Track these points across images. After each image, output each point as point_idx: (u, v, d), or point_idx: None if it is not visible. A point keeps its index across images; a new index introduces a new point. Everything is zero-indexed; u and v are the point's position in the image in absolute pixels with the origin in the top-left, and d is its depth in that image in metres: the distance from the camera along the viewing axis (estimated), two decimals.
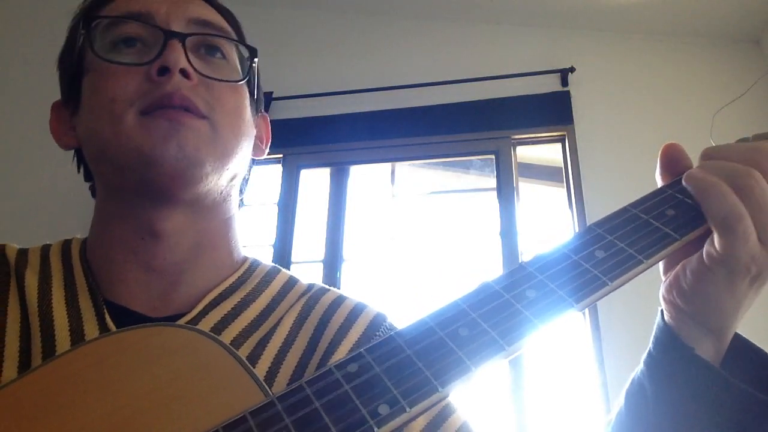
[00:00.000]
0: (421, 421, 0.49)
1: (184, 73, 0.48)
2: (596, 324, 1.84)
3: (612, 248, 0.37)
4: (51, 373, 0.36)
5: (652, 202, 0.41)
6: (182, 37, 0.50)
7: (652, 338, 0.43)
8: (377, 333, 0.53)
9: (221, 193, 0.53)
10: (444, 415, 0.50)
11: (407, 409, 0.30)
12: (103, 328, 0.47)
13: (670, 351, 0.41)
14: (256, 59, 0.56)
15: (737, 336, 0.42)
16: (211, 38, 0.53)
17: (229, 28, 0.56)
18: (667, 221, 0.39)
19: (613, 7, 2.24)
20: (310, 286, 0.58)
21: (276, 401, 0.32)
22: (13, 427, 0.34)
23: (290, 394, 0.32)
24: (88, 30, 0.50)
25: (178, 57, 0.48)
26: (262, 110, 0.61)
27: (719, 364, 0.41)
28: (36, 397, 0.35)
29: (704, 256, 0.39)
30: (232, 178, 0.53)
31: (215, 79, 0.51)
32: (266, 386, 0.34)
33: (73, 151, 0.57)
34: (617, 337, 1.80)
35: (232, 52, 0.55)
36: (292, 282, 0.58)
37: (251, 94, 0.57)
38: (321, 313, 0.54)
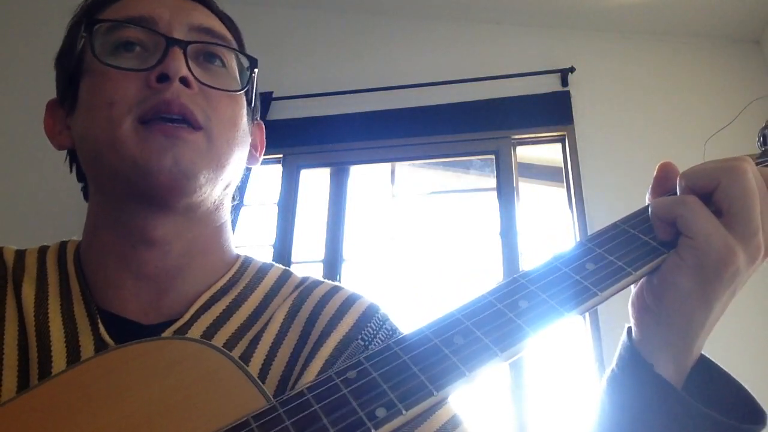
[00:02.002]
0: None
1: (184, 81, 0.49)
2: (596, 326, 1.85)
3: (602, 261, 0.39)
4: (61, 384, 0.37)
5: (640, 218, 0.42)
6: (184, 45, 0.50)
7: (615, 356, 0.43)
8: (369, 324, 0.53)
9: (214, 202, 0.53)
10: (432, 408, 0.50)
11: (403, 412, 0.31)
12: (98, 339, 0.48)
13: (630, 367, 0.41)
14: (256, 69, 0.56)
15: (702, 357, 0.42)
16: (212, 47, 0.53)
17: (230, 37, 0.56)
18: (655, 235, 0.40)
19: (613, 7, 2.24)
20: (304, 279, 0.58)
21: (278, 406, 0.33)
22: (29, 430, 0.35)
23: (291, 399, 0.33)
24: (90, 33, 0.50)
25: (179, 65, 0.48)
26: (258, 118, 0.62)
27: (682, 382, 0.41)
28: (47, 407, 0.36)
29: (678, 246, 0.39)
30: (226, 187, 0.54)
31: (215, 89, 0.51)
32: (268, 392, 0.36)
33: (66, 157, 0.58)
34: (617, 339, 1.79)
35: (231, 61, 0.55)
36: (285, 276, 0.58)
37: (248, 102, 0.57)
38: (313, 305, 0.54)
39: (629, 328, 0.44)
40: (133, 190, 0.48)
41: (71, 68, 0.53)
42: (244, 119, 0.55)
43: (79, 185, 0.59)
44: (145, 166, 0.46)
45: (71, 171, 0.58)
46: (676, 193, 0.42)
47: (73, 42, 0.53)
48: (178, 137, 0.47)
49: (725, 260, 0.37)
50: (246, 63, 0.56)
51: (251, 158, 0.60)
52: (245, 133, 0.55)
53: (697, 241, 0.38)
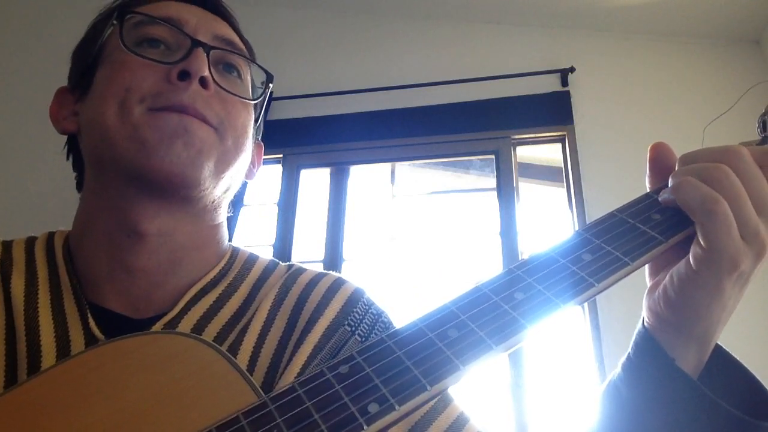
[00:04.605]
0: (416, 415, 0.49)
1: (203, 81, 0.50)
2: (596, 324, 1.85)
3: (599, 251, 0.38)
4: (51, 379, 0.37)
5: (638, 207, 0.42)
6: (208, 48, 0.52)
7: (631, 343, 0.43)
8: (355, 309, 0.54)
9: (213, 202, 0.53)
10: (439, 407, 0.50)
11: (396, 408, 0.31)
12: (88, 333, 0.48)
13: (651, 359, 0.41)
14: (271, 84, 0.59)
15: (718, 347, 0.42)
16: (233, 56, 0.55)
17: (247, 54, 0.59)
18: (653, 225, 0.40)
19: (613, 7, 2.24)
20: (290, 267, 0.59)
21: (268, 402, 0.32)
22: (18, 426, 0.35)
23: (282, 395, 0.33)
24: (121, 22, 0.52)
25: (201, 65, 0.50)
26: (259, 138, 0.64)
27: (698, 375, 0.41)
28: (38, 402, 0.36)
29: (690, 258, 0.39)
30: (226, 190, 0.55)
31: (231, 93, 0.53)
32: (259, 388, 0.35)
33: (65, 145, 0.58)
34: (617, 337, 1.80)
35: (247, 75, 0.58)
36: (272, 265, 0.59)
37: (256, 120, 0.59)
38: (299, 292, 0.54)
39: (644, 318, 0.43)
40: (135, 175, 0.49)
41: (90, 57, 0.54)
42: (252, 131, 0.57)
43: (64, 182, 0.59)
44: (153, 149, 0.47)
45: (68, 158, 0.59)
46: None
47: (97, 33, 0.55)
48: (191, 124, 0.49)
49: (735, 264, 0.37)
50: (259, 78, 0.59)
51: (248, 172, 0.61)
52: (250, 144, 0.57)
53: (712, 253, 0.37)
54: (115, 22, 0.53)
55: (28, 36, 2.62)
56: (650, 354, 0.41)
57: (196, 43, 0.51)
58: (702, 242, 0.38)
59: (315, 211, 2.30)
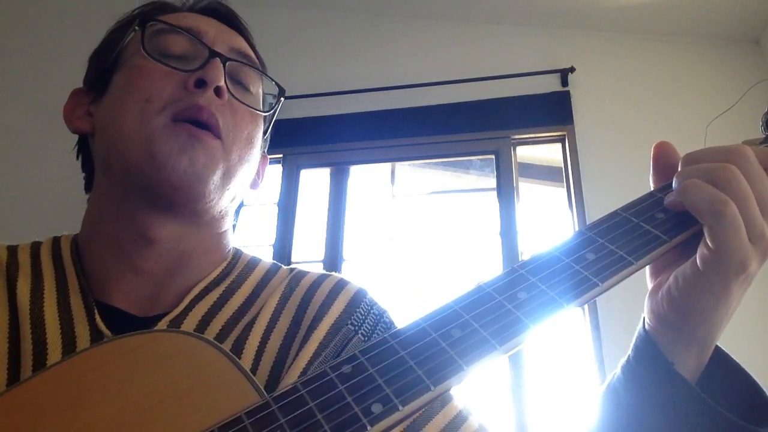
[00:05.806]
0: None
1: (217, 91, 0.52)
2: (596, 324, 1.85)
3: (603, 251, 0.38)
4: (53, 377, 0.37)
5: (642, 205, 0.41)
6: (224, 59, 0.54)
7: (631, 346, 0.43)
8: (358, 309, 0.55)
9: (219, 212, 0.55)
10: (438, 404, 0.50)
11: (400, 408, 0.31)
12: (94, 330, 0.48)
13: (650, 363, 0.41)
14: (282, 99, 0.61)
15: (717, 349, 0.42)
16: (247, 69, 0.57)
17: (260, 68, 0.61)
18: (657, 224, 0.39)
19: (613, 7, 2.24)
20: (292, 269, 0.60)
21: (271, 402, 0.32)
22: (19, 425, 0.35)
23: (285, 395, 0.32)
24: (143, 29, 0.54)
25: (217, 74, 0.52)
26: (265, 151, 0.65)
27: (698, 377, 0.41)
28: (39, 399, 0.36)
29: (698, 260, 0.38)
30: (232, 200, 0.56)
31: (243, 104, 0.55)
32: (261, 387, 0.35)
33: (75, 145, 0.59)
34: (617, 337, 1.80)
35: (259, 88, 0.60)
36: (274, 268, 0.60)
37: (264, 131, 0.61)
38: (302, 293, 0.55)
39: (644, 319, 0.43)
40: (143, 186, 0.50)
41: (109, 61, 0.56)
42: (259, 142, 0.58)
43: (67, 181, 0.59)
44: (162, 162, 0.48)
45: (78, 158, 0.60)
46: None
47: (117, 38, 0.57)
48: (199, 139, 0.50)
49: (744, 266, 0.37)
50: (274, 91, 0.61)
51: (253, 183, 0.62)
52: (256, 155, 0.58)
53: (720, 255, 0.37)
54: (137, 28, 0.55)
55: (29, 37, 2.62)
56: (649, 357, 0.41)
57: (214, 54, 0.53)
58: (710, 244, 0.37)
59: (315, 211, 2.30)
